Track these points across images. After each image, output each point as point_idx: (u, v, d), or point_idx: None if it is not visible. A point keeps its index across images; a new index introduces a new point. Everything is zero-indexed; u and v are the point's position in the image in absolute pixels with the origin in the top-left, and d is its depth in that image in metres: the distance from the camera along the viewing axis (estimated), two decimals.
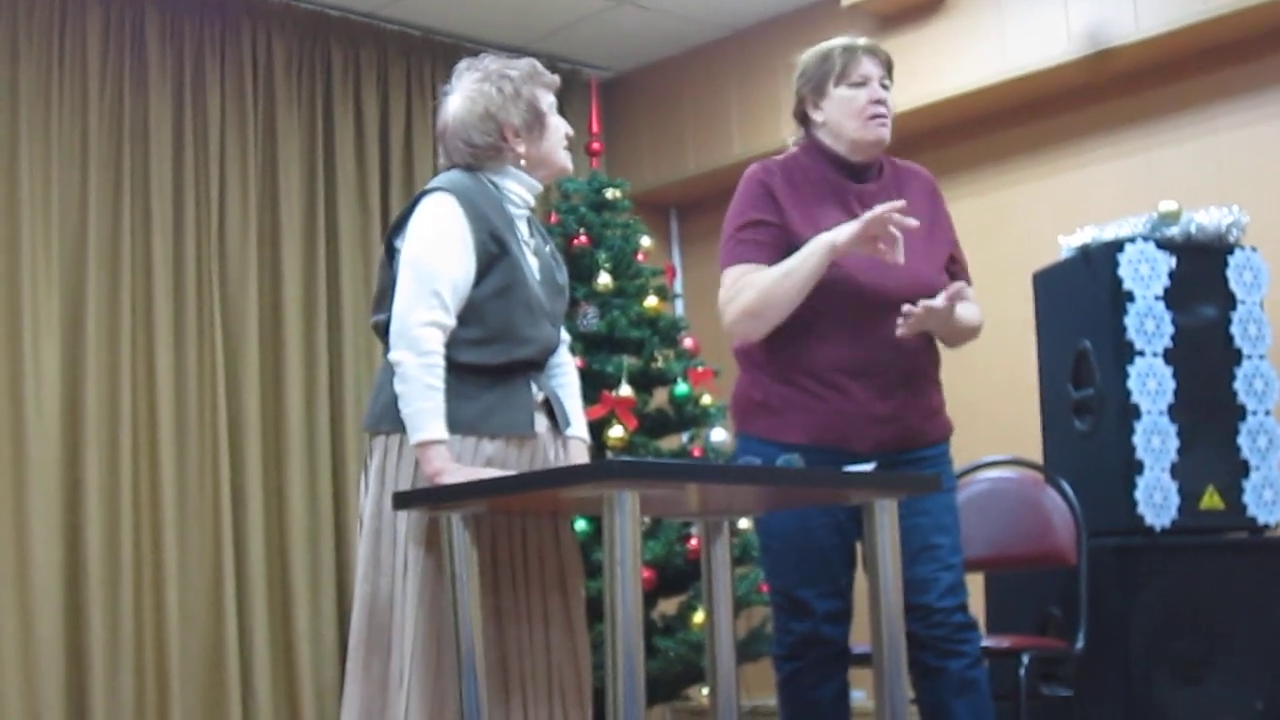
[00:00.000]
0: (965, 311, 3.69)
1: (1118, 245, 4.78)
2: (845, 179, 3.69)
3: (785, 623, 3.72)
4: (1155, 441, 4.67)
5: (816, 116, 3.72)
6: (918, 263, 3.64)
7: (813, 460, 3.36)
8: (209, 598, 5.94)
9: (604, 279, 5.81)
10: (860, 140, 3.67)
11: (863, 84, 3.67)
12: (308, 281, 6.40)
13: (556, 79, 3.56)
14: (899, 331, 3.51)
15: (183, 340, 6.05)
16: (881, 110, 3.67)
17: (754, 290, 3.56)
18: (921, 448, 3.67)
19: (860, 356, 3.58)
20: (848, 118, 3.66)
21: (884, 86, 3.70)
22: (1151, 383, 4.70)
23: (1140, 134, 5.89)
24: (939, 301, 3.50)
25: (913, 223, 3.48)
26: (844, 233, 3.49)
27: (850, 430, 3.58)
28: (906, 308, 3.48)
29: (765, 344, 3.66)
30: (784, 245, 3.60)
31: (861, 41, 3.74)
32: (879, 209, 3.45)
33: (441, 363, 3.24)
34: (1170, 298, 4.78)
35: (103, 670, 5.63)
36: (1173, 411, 4.72)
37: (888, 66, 3.73)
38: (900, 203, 3.48)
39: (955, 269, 3.78)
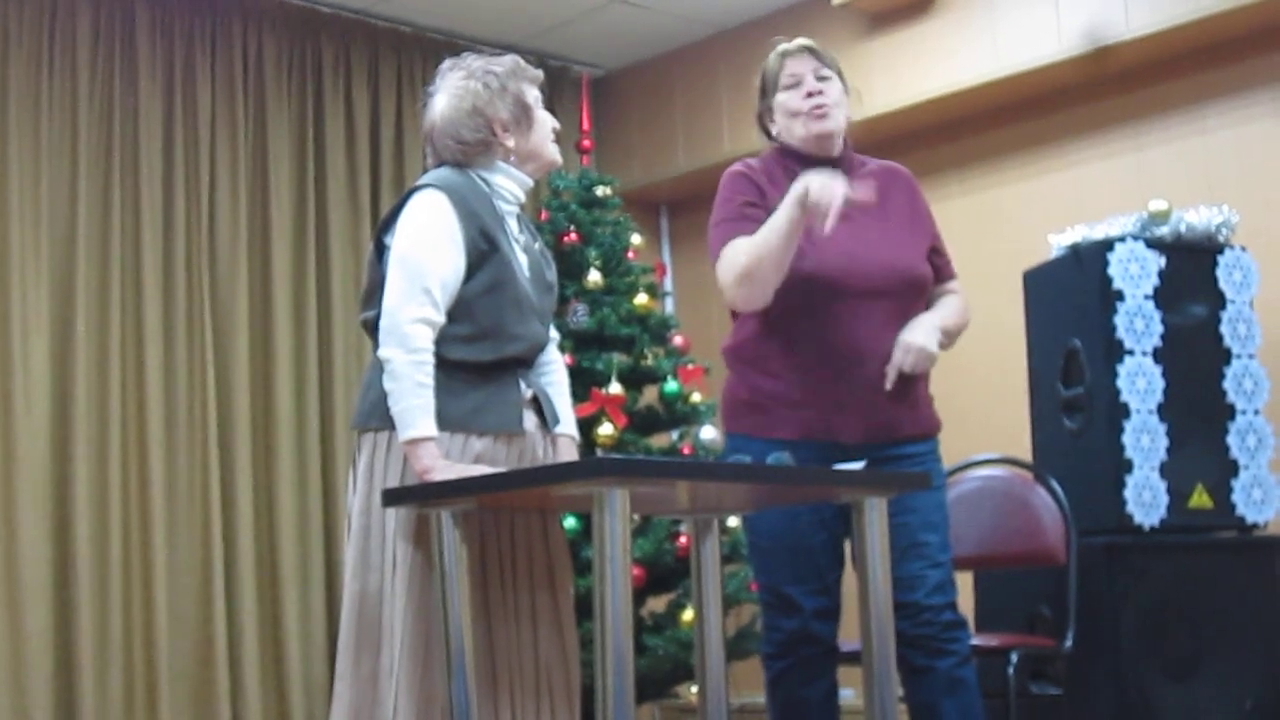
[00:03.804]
0: (949, 317, 3.72)
1: (1108, 244, 4.79)
2: None
3: (774, 620, 3.72)
4: (1145, 440, 4.68)
5: (772, 129, 3.79)
6: (899, 252, 3.67)
7: (800, 454, 3.37)
8: (198, 595, 5.93)
9: (594, 276, 5.80)
10: (808, 136, 3.69)
11: (795, 84, 3.70)
12: (297, 278, 6.40)
13: (540, 73, 3.57)
14: (888, 385, 3.57)
15: (172, 337, 6.04)
16: (820, 101, 3.68)
17: (743, 255, 3.55)
18: (909, 442, 3.67)
19: (845, 347, 3.58)
20: (790, 120, 3.71)
21: (822, 78, 3.71)
22: (1141, 382, 4.71)
23: (1131, 133, 5.89)
24: (892, 371, 3.56)
25: (868, 197, 3.49)
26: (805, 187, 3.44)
27: (836, 422, 3.58)
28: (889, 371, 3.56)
29: (751, 340, 3.67)
30: None
31: (785, 45, 3.77)
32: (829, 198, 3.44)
33: (431, 360, 3.23)
34: (1160, 297, 4.78)
35: (91, 667, 5.62)
36: (1162, 411, 4.72)
37: (818, 57, 3.74)
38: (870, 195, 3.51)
39: (938, 260, 3.80)
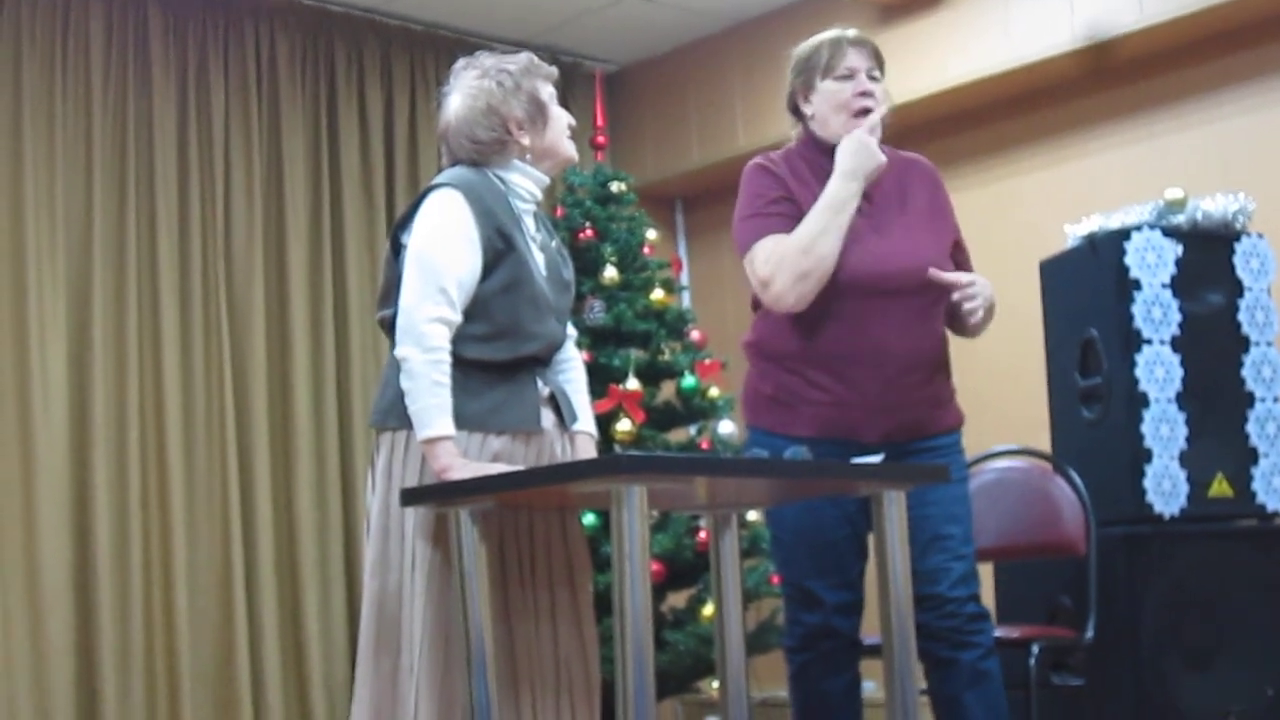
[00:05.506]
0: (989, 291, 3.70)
1: (1124, 233, 4.77)
2: None
3: (796, 614, 3.72)
4: (1163, 430, 4.67)
5: (806, 110, 3.73)
6: (922, 248, 3.65)
7: (822, 452, 3.36)
8: (219, 597, 5.95)
9: (610, 272, 5.81)
10: (844, 134, 3.66)
11: (849, 77, 3.66)
12: (313, 278, 6.41)
13: (554, 70, 3.56)
14: (961, 299, 3.58)
15: (189, 339, 6.05)
16: (868, 102, 3.66)
17: (796, 253, 3.53)
18: (931, 436, 3.67)
19: (867, 346, 3.57)
20: (833, 111, 3.66)
21: (873, 78, 3.69)
22: (1159, 371, 4.69)
23: (1145, 122, 5.88)
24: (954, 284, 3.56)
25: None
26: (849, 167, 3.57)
27: (859, 421, 3.58)
28: (949, 277, 3.56)
29: (773, 336, 3.66)
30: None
31: (849, 34, 3.73)
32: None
33: (448, 359, 3.24)
34: (1177, 285, 4.76)
35: (113, 671, 5.64)
36: (1181, 399, 4.71)
37: (876, 58, 3.72)
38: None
39: (959, 256, 3.78)
